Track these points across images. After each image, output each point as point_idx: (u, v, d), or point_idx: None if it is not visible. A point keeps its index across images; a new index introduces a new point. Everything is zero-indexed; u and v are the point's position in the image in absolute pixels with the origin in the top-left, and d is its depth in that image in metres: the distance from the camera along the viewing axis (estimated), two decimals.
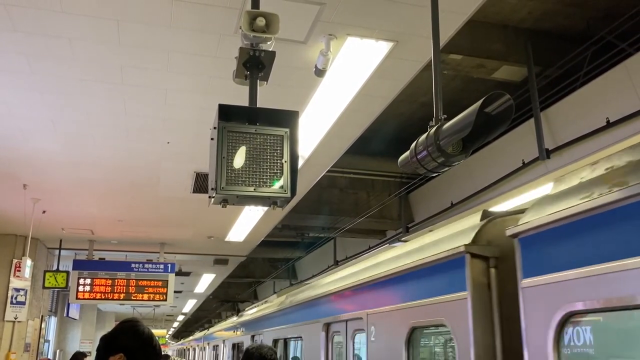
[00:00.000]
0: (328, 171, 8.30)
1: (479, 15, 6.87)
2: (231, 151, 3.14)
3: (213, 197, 3.13)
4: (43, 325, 13.90)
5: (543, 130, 7.36)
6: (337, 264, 14.09)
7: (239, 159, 3.15)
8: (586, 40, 6.76)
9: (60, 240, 12.40)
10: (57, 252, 12.85)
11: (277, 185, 3.16)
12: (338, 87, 5.36)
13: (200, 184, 8.22)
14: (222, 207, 3.24)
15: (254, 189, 3.13)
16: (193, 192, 8.63)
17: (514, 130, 8.15)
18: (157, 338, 2.65)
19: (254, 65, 3.38)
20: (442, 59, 7.04)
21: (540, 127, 7.33)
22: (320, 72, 4.68)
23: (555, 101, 7.47)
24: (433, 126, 3.10)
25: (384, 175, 11.44)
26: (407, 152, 3.31)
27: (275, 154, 3.19)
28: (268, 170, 3.16)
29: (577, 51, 6.80)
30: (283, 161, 3.19)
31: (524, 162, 7.99)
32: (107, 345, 2.54)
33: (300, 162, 7.20)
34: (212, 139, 3.20)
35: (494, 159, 8.78)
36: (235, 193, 3.11)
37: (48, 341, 16.12)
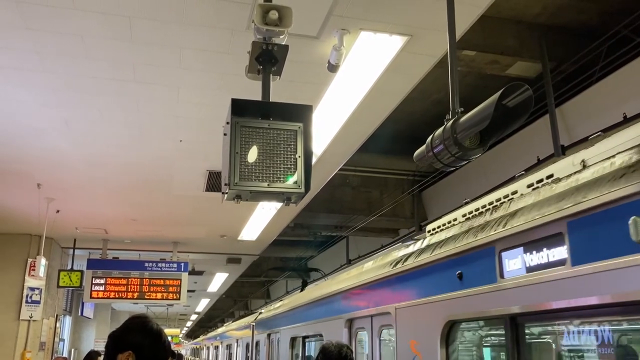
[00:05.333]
0: (340, 169, 8.25)
1: (493, 10, 6.79)
2: (244, 146, 3.12)
3: (226, 192, 3.11)
4: (58, 324, 13.99)
5: (558, 126, 7.28)
6: (349, 263, 14.04)
7: (253, 154, 3.12)
8: (601, 35, 6.66)
9: (75, 240, 12.47)
10: (71, 251, 12.93)
11: (290, 180, 3.13)
12: (351, 83, 5.31)
13: (213, 182, 8.21)
14: (236, 202, 3.22)
15: (268, 185, 3.10)
16: (206, 191, 8.62)
17: (528, 127, 8.07)
18: (166, 334, 2.60)
19: (267, 59, 3.36)
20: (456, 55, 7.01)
21: (556, 123, 7.25)
22: (333, 68, 4.63)
23: (571, 97, 7.38)
24: (449, 119, 3.04)
25: (397, 174, 11.37)
26: (423, 147, 3.26)
27: (288, 149, 3.17)
28: (282, 165, 3.14)
29: (592, 46, 6.70)
30: (297, 156, 3.17)
31: (538, 159, 7.91)
32: (115, 343, 2.47)
33: (313, 160, 7.16)
34: (225, 134, 3.18)
35: (508, 156, 8.70)
36: (248, 188, 3.09)
37: (63, 340, 16.23)
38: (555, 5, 6.86)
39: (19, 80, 5.29)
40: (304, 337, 8.30)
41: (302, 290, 10.93)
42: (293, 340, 8.83)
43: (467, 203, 4.13)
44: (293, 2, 3.41)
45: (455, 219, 4.31)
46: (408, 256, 4.62)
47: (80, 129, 6.38)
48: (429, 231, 4.66)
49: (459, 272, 3.67)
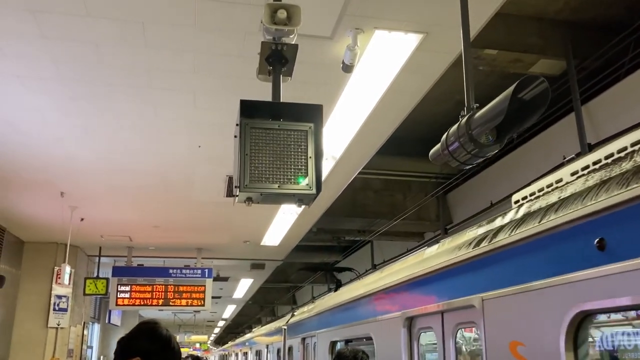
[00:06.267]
0: (362, 173, 8.16)
1: (514, 8, 6.65)
2: (254, 148, 3.07)
3: (237, 195, 3.07)
4: (85, 332, 14.13)
5: (584, 124, 7.09)
6: (374, 267, 13.91)
7: (263, 156, 3.06)
8: (628, 29, 6.46)
9: (100, 248, 12.59)
10: (97, 259, 13.06)
11: (302, 181, 3.06)
12: (367, 83, 5.22)
13: (233, 187, 8.17)
14: (247, 205, 3.18)
15: (278, 186, 3.04)
16: (226, 196, 8.60)
17: (554, 125, 7.90)
18: (176, 340, 2.54)
19: (277, 59, 3.30)
20: (477, 54, 6.87)
21: (582, 121, 7.06)
22: (347, 68, 4.55)
23: (597, 94, 7.19)
24: (464, 115, 2.94)
25: (420, 176, 11.23)
26: (438, 145, 3.16)
27: (299, 150, 3.10)
28: (292, 166, 3.07)
29: (617, 39, 6.51)
30: (308, 157, 3.09)
31: (564, 158, 7.71)
32: (123, 348, 2.42)
33: (332, 163, 7.09)
34: (235, 136, 3.13)
35: (534, 156, 8.53)
36: (259, 190, 3.04)
37: (91, 347, 16.39)
38: (578, 0, 6.69)
39: (37, 88, 5.33)
40: (347, 341, 7.22)
41: (335, 291, 9.95)
42: (333, 344, 7.83)
43: (570, 160, 3.49)
44: (305, 2, 3.35)
45: (559, 180, 3.41)
46: (496, 231, 3.59)
47: (98, 136, 6.41)
48: (516, 202, 3.82)
49: (599, 239, 2.55)
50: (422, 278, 4.68)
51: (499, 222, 3.72)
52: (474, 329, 4.03)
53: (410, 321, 4.98)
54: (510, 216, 3.60)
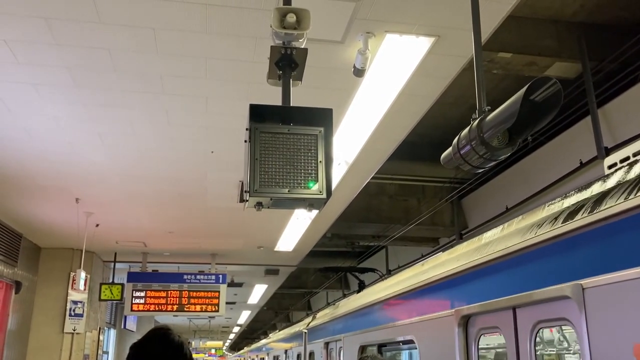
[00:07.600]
0: (376, 177, 8.12)
1: (528, 11, 6.60)
2: (264, 152, 3.05)
3: (247, 200, 3.05)
4: (101, 337, 14.21)
5: (601, 127, 6.99)
6: (389, 273, 13.83)
7: (273, 160, 3.05)
8: None
9: (115, 253, 12.67)
10: (112, 264, 13.14)
11: (312, 186, 3.04)
12: (379, 87, 5.19)
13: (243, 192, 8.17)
14: (257, 210, 3.15)
15: (289, 191, 3.01)
16: (239, 202, 8.61)
17: (570, 129, 7.79)
18: (188, 346, 2.54)
19: (287, 64, 3.28)
20: (491, 57, 6.82)
21: (598, 124, 6.97)
22: (359, 72, 4.53)
23: (613, 96, 7.09)
24: (476, 118, 2.90)
25: (435, 181, 11.16)
26: (450, 148, 3.12)
27: (309, 154, 3.07)
28: (302, 171, 3.05)
29: (633, 40, 6.41)
30: (318, 161, 3.07)
31: (581, 162, 7.62)
32: (136, 354, 2.45)
33: (345, 168, 7.07)
34: (245, 140, 3.12)
35: (550, 160, 8.42)
36: (269, 195, 3.01)
37: (107, 353, 16.46)
38: (594, 2, 6.61)
39: (51, 95, 5.37)
40: (380, 346, 6.35)
41: (359, 292, 9.24)
42: (363, 349, 6.96)
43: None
44: (316, 6, 3.35)
45: None
46: (598, 198, 2.80)
47: (113, 143, 6.45)
48: (611, 166, 3.13)
49: None
50: (483, 267, 3.89)
51: (597, 188, 2.97)
52: (566, 327, 3.23)
53: (466, 320, 4.16)
54: (616, 178, 2.85)
